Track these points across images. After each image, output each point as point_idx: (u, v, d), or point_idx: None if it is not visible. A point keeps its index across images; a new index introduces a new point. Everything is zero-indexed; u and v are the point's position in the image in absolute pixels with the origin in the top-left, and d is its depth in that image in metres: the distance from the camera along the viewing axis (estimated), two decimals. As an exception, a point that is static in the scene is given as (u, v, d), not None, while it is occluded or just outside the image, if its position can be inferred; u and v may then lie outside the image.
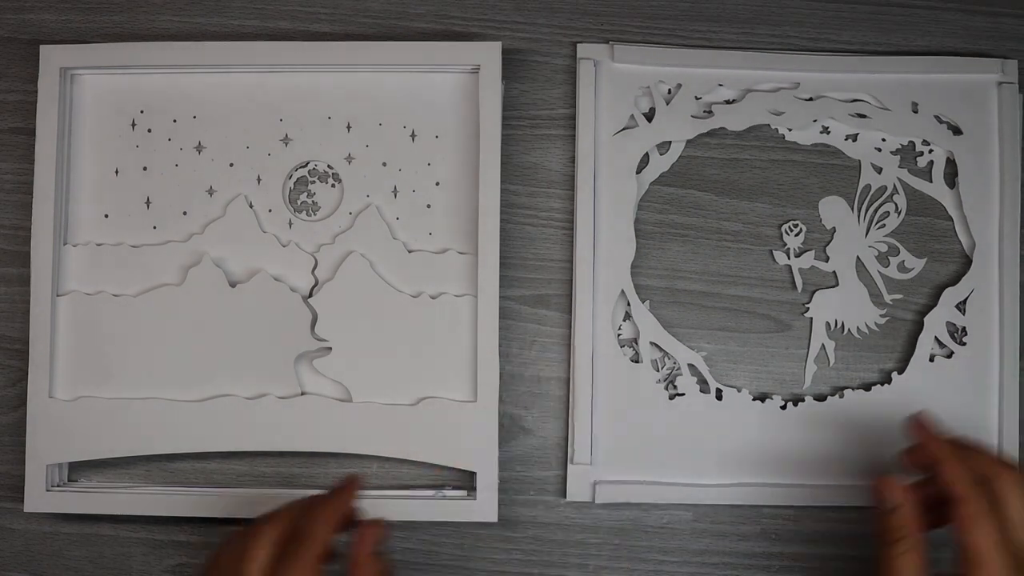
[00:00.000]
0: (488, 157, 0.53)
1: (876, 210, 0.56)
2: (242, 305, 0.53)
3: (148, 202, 0.54)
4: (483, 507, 0.52)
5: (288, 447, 0.52)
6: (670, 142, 0.55)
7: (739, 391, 0.54)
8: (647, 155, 0.55)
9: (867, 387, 0.55)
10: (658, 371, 0.54)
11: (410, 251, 0.54)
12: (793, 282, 0.55)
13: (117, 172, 0.54)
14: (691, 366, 0.54)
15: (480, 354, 0.52)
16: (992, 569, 0.40)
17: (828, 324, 0.55)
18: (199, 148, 0.54)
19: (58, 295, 0.53)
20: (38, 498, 0.52)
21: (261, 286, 0.53)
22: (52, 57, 0.53)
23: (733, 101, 0.55)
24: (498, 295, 0.52)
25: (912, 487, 0.43)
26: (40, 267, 0.52)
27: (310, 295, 0.53)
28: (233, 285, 0.53)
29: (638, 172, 0.55)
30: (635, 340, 0.54)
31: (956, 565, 0.41)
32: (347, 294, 0.53)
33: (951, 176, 0.56)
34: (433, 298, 0.53)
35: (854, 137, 0.56)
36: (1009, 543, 0.40)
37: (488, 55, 0.53)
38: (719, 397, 0.54)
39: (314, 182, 0.54)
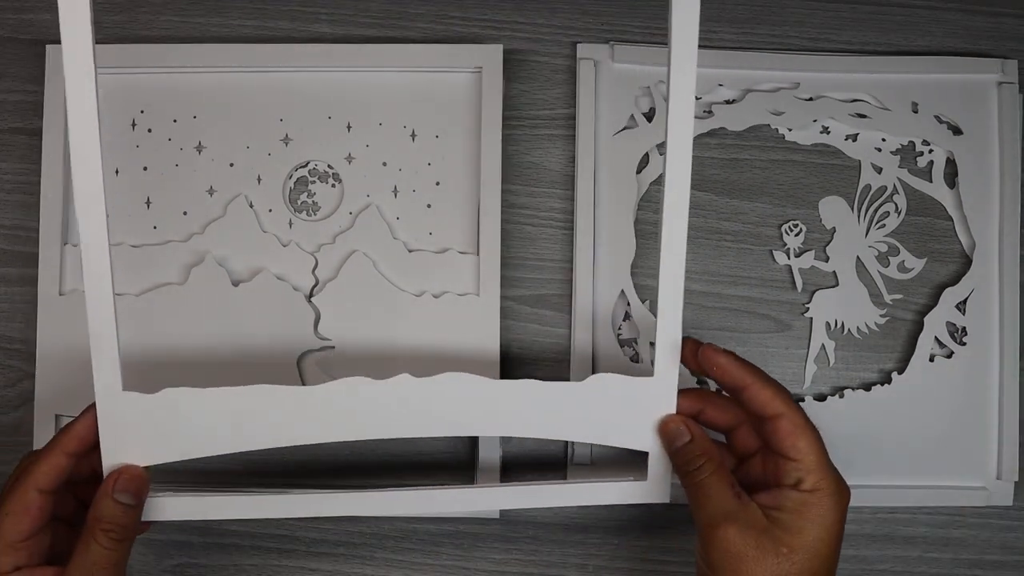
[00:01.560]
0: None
1: (876, 210, 0.56)
2: (245, 304, 0.53)
3: (148, 202, 0.54)
4: (654, 488, 0.46)
5: (435, 432, 0.46)
6: (670, 142, 0.55)
7: (739, 391, 0.54)
8: (647, 155, 0.55)
9: (867, 387, 0.55)
10: (658, 371, 0.54)
11: (410, 251, 0.54)
12: (793, 282, 0.55)
13: (117, 172, 0.54)
14: (691, 366, 0.54)
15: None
16: (822, 472, 0.41)
17: (828, 324, 0.55)
18: (199, 148, 0.54)
19: (60, 295, 0.53)
20: None
21: (264, 285, 0.53)
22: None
23: (733, 101, 0.55)
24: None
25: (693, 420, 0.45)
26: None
27: (311, 295, 0.53)
28: (236, 284, 0.53)
29: (638, 172, 0.55)
30: (635, 340, 0.54)
31: (778, 477, 0.42)
32: (350, 293, 0.53)
33: (951, 176, 0.56)
34: (436, 297, 0.53)
35: (854, 137, 0.56)
36: (827, 455, 0.42)
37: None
38: (719, 397, 0.54)
39: (314, 182, 0.54)
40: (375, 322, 0.53)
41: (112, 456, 0.43)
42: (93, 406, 0.43)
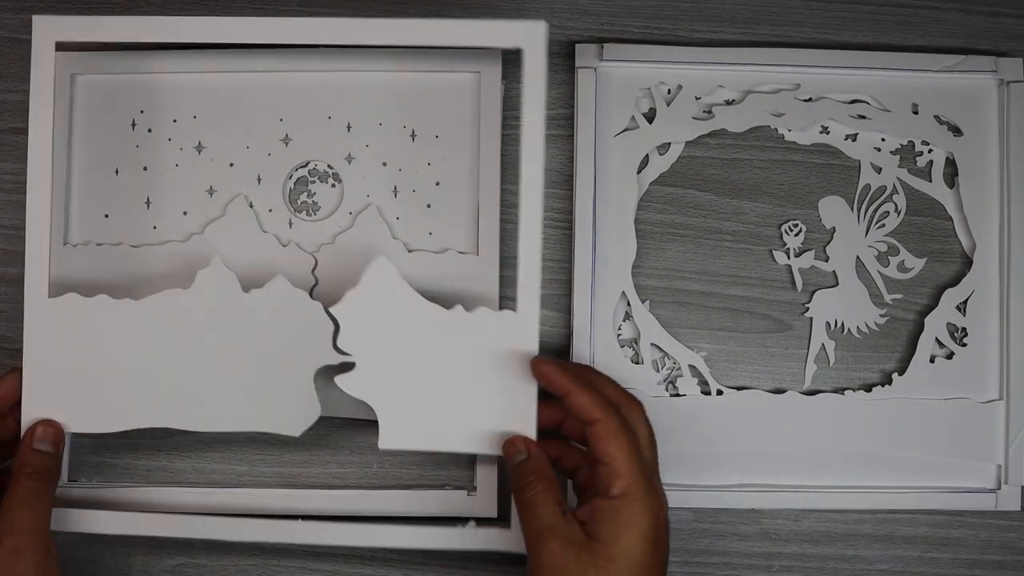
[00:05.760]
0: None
1: (876, 210, 0.56)
2: (256, 312, 0.49)
3: (148, 202, 0.54)
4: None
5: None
6: (670, 142, 0.55)
7: (739, 391, 0.54)
8: (647, 155, 0.55)
9: (868, 388, 0.55)
10: (658, 372, 0.54)
11: (410, 251, 0.54)
12: (793, 282, 0.55)
13: (117, 172, 0.54)
14: (691, 367, 0.54)
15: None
16: (631, 477, 0.42)
17: (828, 324, 0.55)
18: (199, 148, 0.54)
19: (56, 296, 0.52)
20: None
21: (277, 292, 0.49)
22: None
23: (733, 102, 0.55)
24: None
25: (537, 441, 0.47)
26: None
27: (311, 295, 0.53)
28: (247, 290, 0.49)
29: (638, 172, 0.55)
30: (635, 341, 0.54)
31: (595, 485, 0.43)
32: (372, 303, 0.48)
33: (951, 176, 0.56)
34: (468, 311, 0.48)
35: (854, 137, 0.56)
36: (640, 460, 0.43)
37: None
38: (719, 397, 0.54)
39: (314, 182, 0.54)
40: (398, 332, 0.48)
41: (32, 411, 0.48)
42: (13, 370, 0.49)
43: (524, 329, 0.47)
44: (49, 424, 0.48)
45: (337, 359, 0.48)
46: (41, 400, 0.48)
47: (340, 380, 0.48)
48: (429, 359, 0.47)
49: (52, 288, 0.50)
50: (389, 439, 0.48)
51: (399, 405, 0.47)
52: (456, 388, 0.47)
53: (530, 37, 0.47)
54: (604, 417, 0.43)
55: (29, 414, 0.48)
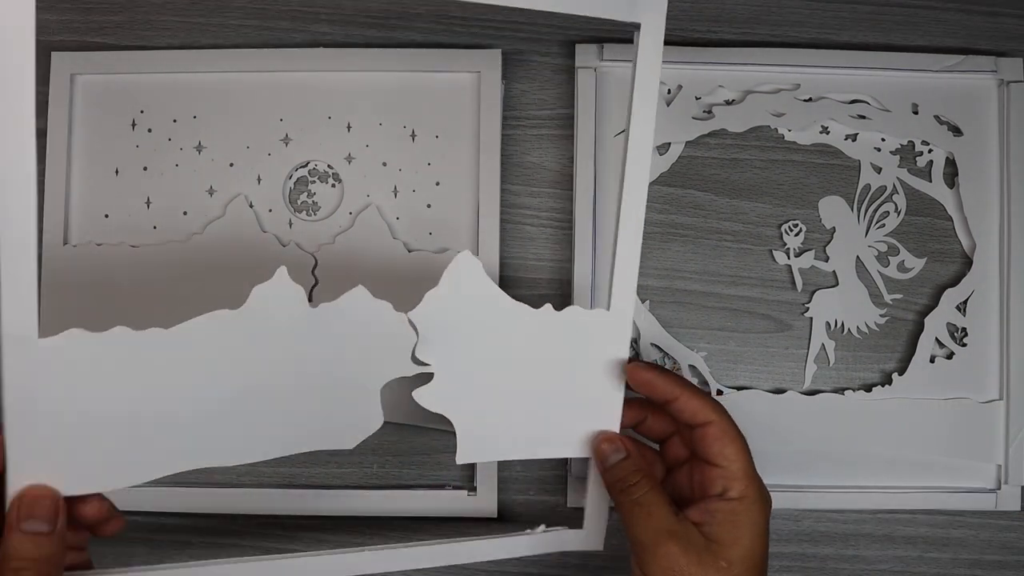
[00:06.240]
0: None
1: (876, 210, 0.56)
2: (324, 328, 0.41)
3: (148, 202, 0.54)
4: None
5: None
6: (670, 142, 0.55)
7: (739, 391, 0.54)
8: (647, 155, 0.55)
9: (868, 388, 0.55)
10: (658, 371, 0.54)
11: (410, 251, 0.54)
12: (793, 282, 0.55)
13: (117, 172, 0.54)
14: (692, 367, 0.54)
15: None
16: (748, 479, 0.42)
17: (828, 324, 0.55)
18: (199, 148, 0.54)
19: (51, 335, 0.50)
20: None
21: (355, 305, 0.41)
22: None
23: (733, 102, 0.55)
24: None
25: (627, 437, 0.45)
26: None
27: (310, 296, 0.53)
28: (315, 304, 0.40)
29: (638, 172, 0.55)
30: (635, 341, 0.54)
31: (704, 487, 0.43)
32: (454, 304, 0.42)
33: (951, 176, 0.56)
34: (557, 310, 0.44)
35: (854, 137, 0.56)
36: (752, 462, 0.43)
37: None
38: (719, 397, 0.54)
39: (314, 182, 0.54)
40: (486, 342, 0.44)
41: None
42: None
43: (617, 328, 0.44)
44: (39, 491, 0.34)
45: (414, 371, 0.42)
46: (32, 467, 0.36)
47: (418, 395, 0.42)
48: (513, 363, 0.43)
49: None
50: (467, 453, 0.44)
51: (478, 415, 0.43)
52: (539, 391, 0.44)
53: (650, 10, 0.42)
54: (719, 419, 0.42)
55: (16, 488, 0.35)
